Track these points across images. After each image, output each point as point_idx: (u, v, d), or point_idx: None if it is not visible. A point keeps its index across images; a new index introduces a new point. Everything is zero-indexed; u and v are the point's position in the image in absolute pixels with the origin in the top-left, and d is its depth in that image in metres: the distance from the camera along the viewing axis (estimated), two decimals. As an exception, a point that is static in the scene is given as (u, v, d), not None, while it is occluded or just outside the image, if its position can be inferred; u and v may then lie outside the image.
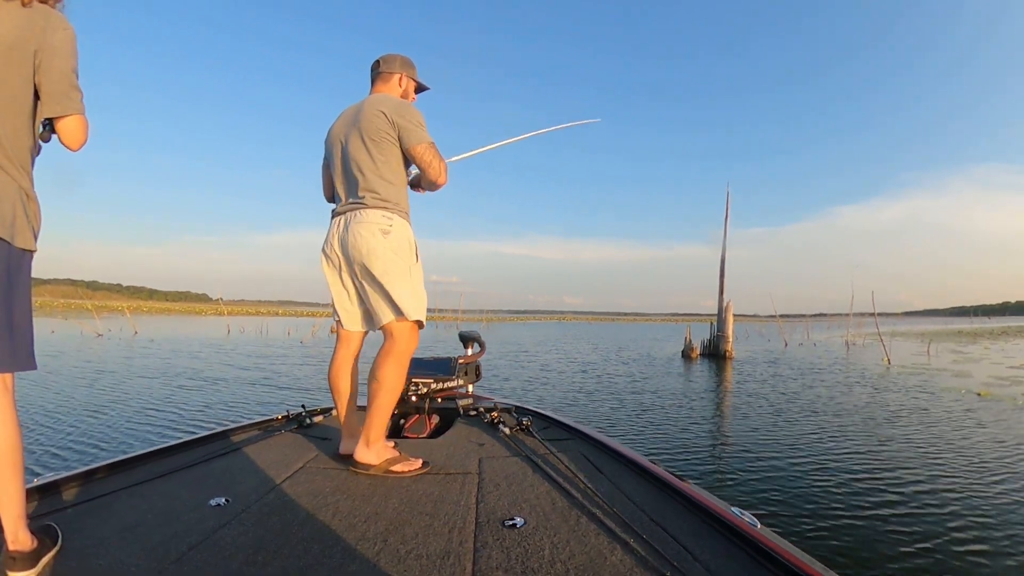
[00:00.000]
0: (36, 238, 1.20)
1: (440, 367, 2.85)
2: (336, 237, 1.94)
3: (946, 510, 3.22)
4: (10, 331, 1.12)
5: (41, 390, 7.19)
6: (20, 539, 1.11)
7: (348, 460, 1.90)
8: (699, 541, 1.26)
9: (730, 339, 14.80)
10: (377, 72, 2.08)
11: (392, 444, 1.95)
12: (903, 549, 2.71)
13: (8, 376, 1.15)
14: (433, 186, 2.03)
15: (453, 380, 2.79)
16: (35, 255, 1.21)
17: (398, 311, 1.87)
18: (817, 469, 4.11)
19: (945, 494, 3.50)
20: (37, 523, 1.22)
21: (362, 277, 1.91)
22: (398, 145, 1.92)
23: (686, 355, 14.99)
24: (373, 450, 1.84)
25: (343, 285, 1.99)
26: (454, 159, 2.19)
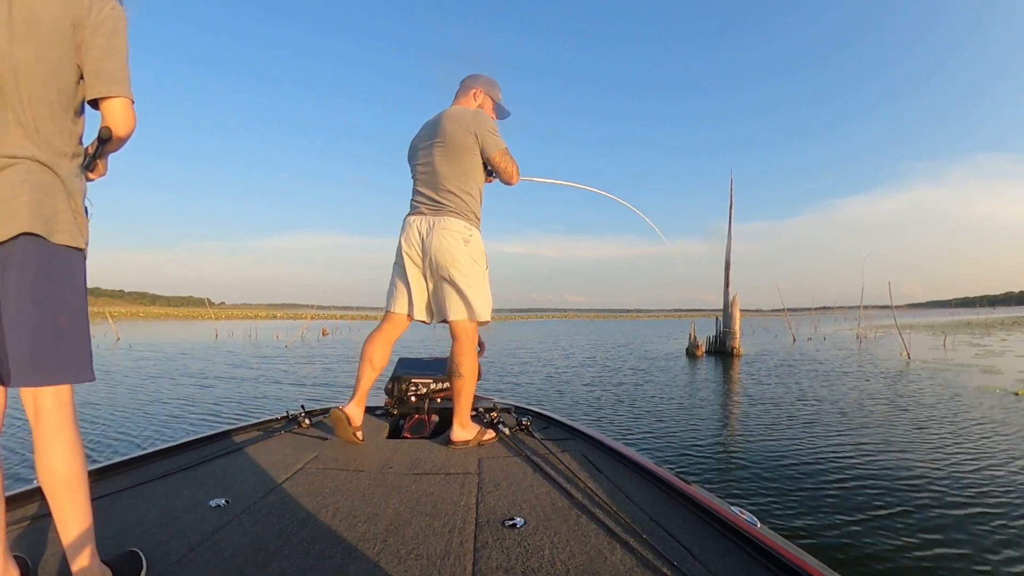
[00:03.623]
0: (84, 235, 1.07)
1: (440, 367, 2.84)
2: (418, 234, 2.14)
3: (973, 522, 2.89)
4: (56, 339, 1.00)
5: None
6: (91, 571, 1.03)
7: (349, 453, 2.02)
8: (699, 540, 1.25)
9: (737, 335, 14.08)
10: (460, 84, 2.33)
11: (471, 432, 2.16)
12: (911, 553, 2.56)
13: (63, 389, 1.03)
14: (507, 184, 2.30)
15: None
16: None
17: (472, 312, 2.11)
18: (828, 471, 3.85)
19: (975, 505, 3.15)
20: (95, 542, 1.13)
21: (441, 277, 2.11)
22: (479, 155, 2.15)
23: (690, 353, 14.20)
24: (467, 429, 2.14)
25: (418, 277, 2.17)
26: (525, 178, 2.41)
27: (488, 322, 2.18)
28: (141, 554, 1.17)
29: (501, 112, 2.38)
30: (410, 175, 2.30)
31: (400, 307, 2.20)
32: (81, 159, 1.11)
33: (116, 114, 1.08)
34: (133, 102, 1.11)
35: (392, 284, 2.24)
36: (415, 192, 2.21)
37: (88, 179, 1.14)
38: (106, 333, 23.02)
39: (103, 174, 1.18)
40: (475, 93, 2.29)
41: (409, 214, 2.21)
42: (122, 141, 1.13)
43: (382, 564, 1.16)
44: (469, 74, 2.33)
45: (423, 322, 2.24)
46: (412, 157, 2.26)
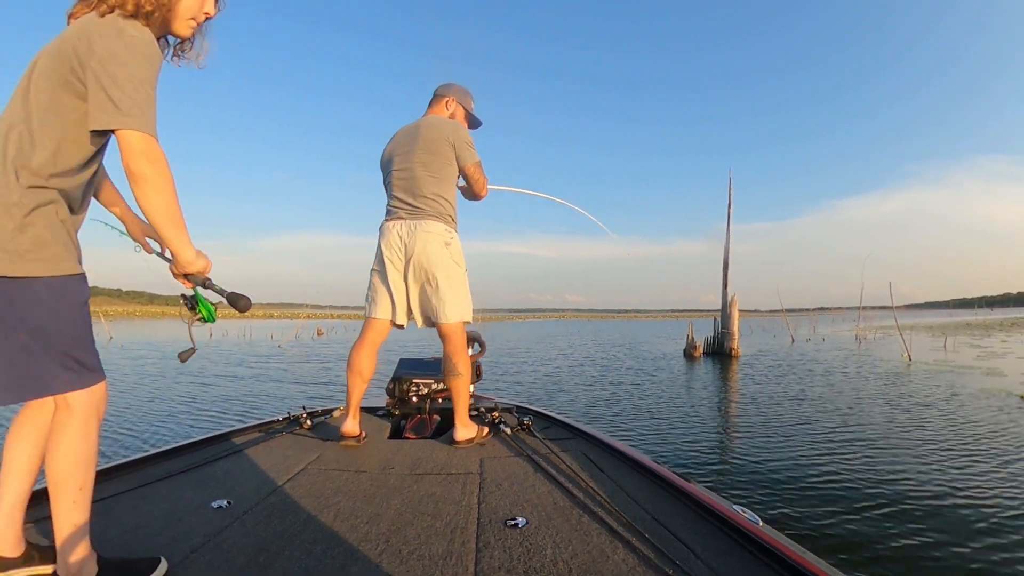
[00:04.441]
0: (49, 257, 1.03)
1: (440, 367, 2.83)
2: (399, 238, 2.16)
3: (974, 521, 2.88)
4: (8, 360, 1.02)
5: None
6: (79, 561, 1.07)
7: (350, 454, 2.03)
8: (701, 539, 1.26)
9: (736, 336, 13.97)
10: (434, 94, 2.38)
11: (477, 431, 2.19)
12: (912, 552, 2.55)
13: (69, 396, 1.06)
14: (476, 197, 2.38)
15: None
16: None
17: (457, 312, 2.15)
18: (830, 471, 3.83)
19: (977, 505, 3.12)
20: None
21: (424, 280, 2.15)
22: (456, 164, 2.21)
23: (688, 354, 14.10)
24: (469, 427, 2.16)
25: (399, 281, 2.18)
26: (493, 187, 2.46)
27: (471, 321, 2.23)
28: (163, 560, 1.16)
29: (473, 121, 2.42)
30: (383, 181, 2.33)
31: (383, 313, 2.21)
32: (66, 180, 1.07)
33: (124, 148, 1.01)
34: (154, 137, 1.02)
35: (373, 290, 2.25)
36: (392, 197, 2.23)
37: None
38: (99, 333, 22.89)
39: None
40: (447, 102, 2.34)
41: (387, 219, 2.23)
42: (141, 178, 1.02)
43: (384, 565, 1.16)
44: (442, 83, 2.39)
45: (401, 327, 2.25)
46: (388, 164, 2.27)
